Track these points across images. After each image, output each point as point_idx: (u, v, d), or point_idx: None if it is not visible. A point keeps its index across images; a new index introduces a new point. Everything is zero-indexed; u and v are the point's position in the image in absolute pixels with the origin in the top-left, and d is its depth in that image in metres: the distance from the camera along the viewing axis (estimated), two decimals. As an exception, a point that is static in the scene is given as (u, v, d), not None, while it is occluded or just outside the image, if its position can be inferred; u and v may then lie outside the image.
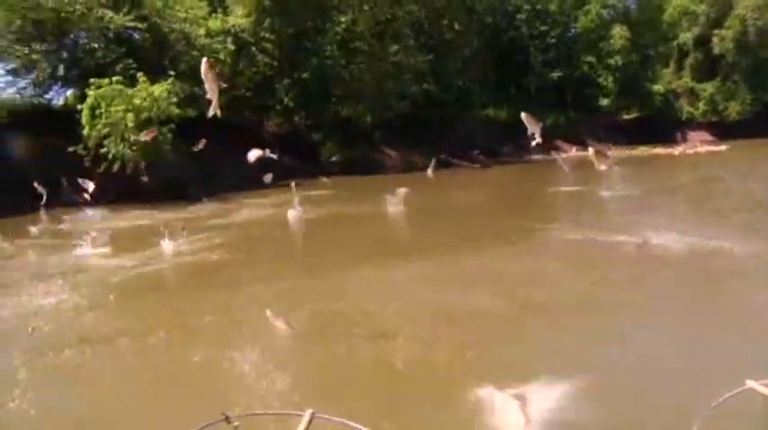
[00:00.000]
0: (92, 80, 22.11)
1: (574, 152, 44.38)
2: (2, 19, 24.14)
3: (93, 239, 13.52)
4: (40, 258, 13.39)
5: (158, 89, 22.40)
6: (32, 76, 24.94)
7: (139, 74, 22.58)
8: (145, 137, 19.57)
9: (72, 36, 25.04)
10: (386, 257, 12.02)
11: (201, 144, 21.58)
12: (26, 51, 24.33)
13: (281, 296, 9.33)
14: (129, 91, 21.92)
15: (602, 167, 11.90)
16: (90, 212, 19.59)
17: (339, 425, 4.32)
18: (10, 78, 25.41)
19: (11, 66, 25.03)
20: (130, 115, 21.50)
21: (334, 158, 32.77)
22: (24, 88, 25.44)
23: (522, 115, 9.62)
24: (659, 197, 20.91)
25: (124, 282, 10.79)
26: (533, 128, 10.17)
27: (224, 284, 10.50)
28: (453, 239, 13.81)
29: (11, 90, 25.46)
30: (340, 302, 8.97)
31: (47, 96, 26.15)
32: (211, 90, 6.30)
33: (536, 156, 42.31)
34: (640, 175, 27.11)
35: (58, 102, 26.19)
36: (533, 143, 10.05)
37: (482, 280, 10.08)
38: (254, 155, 15.49)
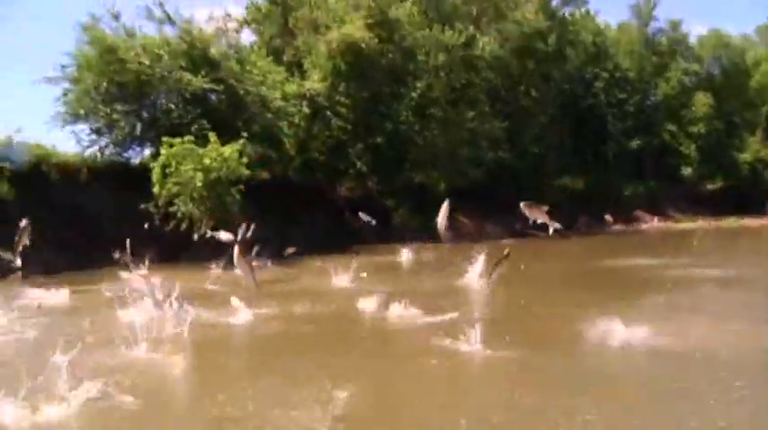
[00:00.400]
0: (164, 139, 21.98)
1: (656, 223, 42.29)
2: (90, 81, 24.59)
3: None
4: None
5: (228, 149, 22.02)
6: (113, 135, 25.10)
7: (211, 134, 22.30)
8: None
9: (152, 97, 25.17)
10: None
11: (292, 250, 21.57)
12: (108, 111, 24.57)
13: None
14: (201, 150, 21.61)
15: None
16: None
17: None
18: (94, 137, 25.66)
19: (95, 125, 25.30)
20: (200, 174, 21.11)
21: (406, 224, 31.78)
22: (105, 147, 25.62)
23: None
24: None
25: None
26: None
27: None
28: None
29: (93, 149, 25.66)
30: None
31: (125, 155, 26.24)
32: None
33: (618, 227, 40.43)
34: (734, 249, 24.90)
35: (136, 160, 26.22)
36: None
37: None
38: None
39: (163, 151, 21.86)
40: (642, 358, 8.63)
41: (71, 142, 29.26)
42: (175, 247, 23.17)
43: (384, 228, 32.14)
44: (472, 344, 8.67)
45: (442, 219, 9.49)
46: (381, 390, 7.67)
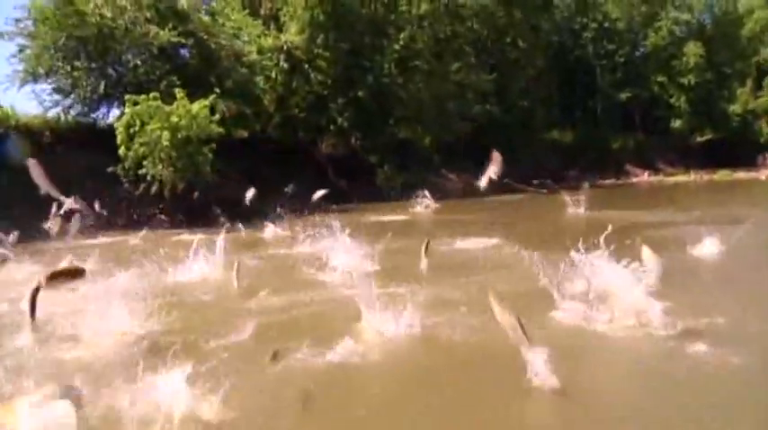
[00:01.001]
0: (127, 96, 20.19)
1: (646, 177, 40.89)
2: (48, 37, 22.60)
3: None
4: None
5: (197, 106, 20.21)
6: (76, 94, 23.21)
7: (178, 90, 20.50)
8: None
9: (116, 53, 23.19)
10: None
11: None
12: (69, 69, 22.64)
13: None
14: (167, 108, 19.84)
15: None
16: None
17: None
18: (56, 97, 23.76)
19: (57, 84, 23.39)
20: (166, 133, 19.31)
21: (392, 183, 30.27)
22: (70, 107, 23.75)
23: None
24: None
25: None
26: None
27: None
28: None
29: (56, 109, 23.77)
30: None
31: (92, 115, 24.37)
32: None
33: (606, 181, 39.04)
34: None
35: (105, 120, 24.36)
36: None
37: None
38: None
39: (127, 110, 20.05)
40: None
41: (32, 103, 27.25)
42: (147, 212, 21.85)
43: (368, 187, 30.78)
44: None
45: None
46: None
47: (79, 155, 22.27)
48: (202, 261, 11.18)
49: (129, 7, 22.77)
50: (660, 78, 47.30)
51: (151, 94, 20.06)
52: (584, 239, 7.51)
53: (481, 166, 34.92)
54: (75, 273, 8.58)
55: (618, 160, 45.12)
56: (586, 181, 38.26)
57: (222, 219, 17.20)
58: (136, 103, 19.95)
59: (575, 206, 20.60)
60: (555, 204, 23.02)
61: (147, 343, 7.03)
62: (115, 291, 7.87)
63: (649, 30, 47.64)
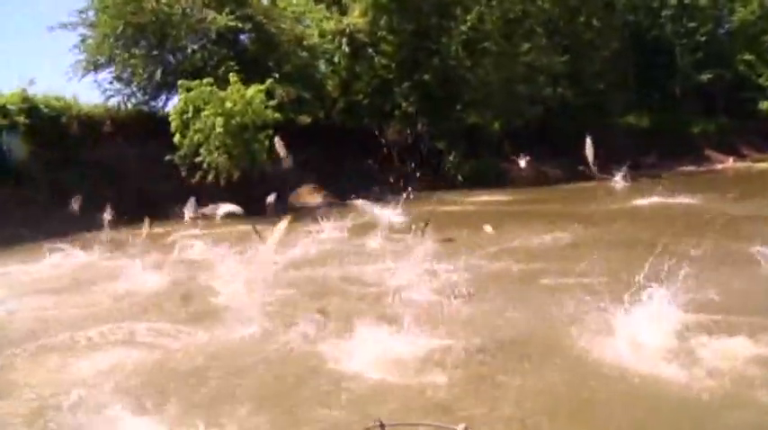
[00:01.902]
0: (180, 82, 19.14)
1: (731, 163, 37.66)
2: (106, 25, 21.88)
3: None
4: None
5: (251, 91, 18.95)
6: (133, 82, 22.46)
7: (231, 74, 19.29)
8: None
9: (173, 39, 22.23)
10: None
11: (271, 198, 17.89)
12: (126, 57, 21.86)
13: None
14: (221, 94, 18.66)
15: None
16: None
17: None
18: (117, 86, 23.11)
19: (116, 73, 22.71)
20: (220, 119, 18.15)
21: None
22: (130, 96, 23.05)
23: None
24: None
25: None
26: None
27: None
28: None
29: (117, 98, 23.10)
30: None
31: (153, 104, 23.59)
32: None
33: (688, 168, 36.09)
34: None
35: (165, 109, 23.52)
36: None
37: None
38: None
39: (180, 96, 19.03)
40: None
41: (95, 93, 26.74)
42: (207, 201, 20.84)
43: (436, 174, 29.10)
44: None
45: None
46: None
47: (139, 144, 21.52)
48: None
49: (185, -8, 21.77)
50: (747, 57, 43.39)
51: (205, 80, 18.92)
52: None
53: (553, 153, 33.01)
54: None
55: (698, 146, 41.91)
56: (665, 167, 35.71)
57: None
58: (189, 89, 18.88)
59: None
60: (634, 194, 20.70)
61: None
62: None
63: (737, 4, 43.73)
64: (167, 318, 7.60)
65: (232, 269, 8.88)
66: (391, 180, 23.65)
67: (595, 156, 9.79)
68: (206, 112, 18.36)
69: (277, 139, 16.93)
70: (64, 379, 5.74)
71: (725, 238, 9.77)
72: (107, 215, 15.32)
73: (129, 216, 16.47)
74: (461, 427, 3.63)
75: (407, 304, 7.36)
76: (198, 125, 18.58)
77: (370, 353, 5.72)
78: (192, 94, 18.84)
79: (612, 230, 13.11)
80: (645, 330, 5.68)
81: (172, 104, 23.04)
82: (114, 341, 6.75)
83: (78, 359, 6.27)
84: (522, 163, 30.10)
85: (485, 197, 23.46)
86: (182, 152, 19.06)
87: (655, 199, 18.40)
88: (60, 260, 12.13)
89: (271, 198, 17.31)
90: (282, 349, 6.22)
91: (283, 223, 9.24)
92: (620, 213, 16.87)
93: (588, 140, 9.83)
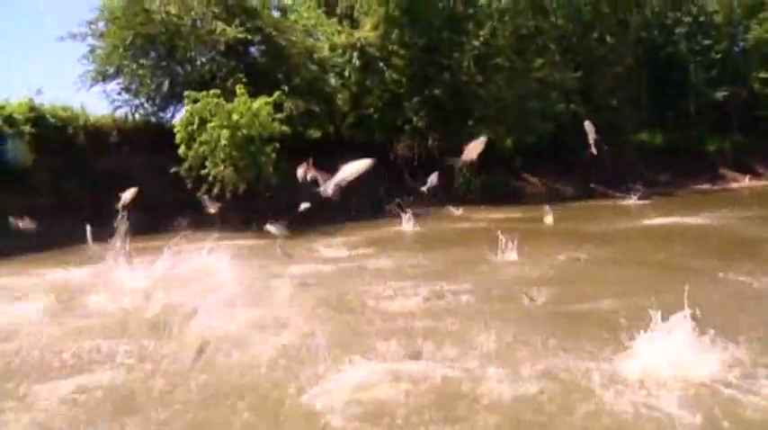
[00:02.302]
0: (186, 93, 18.81)
1: (747, 182, 36.93)
2: (116, 36, 21.66)
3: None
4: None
5: (258, 103, 18.57)
6: (140, 92, 22.17)
7: (238, 86, 18.94)
8: None
9: (183, 50, 21.96)
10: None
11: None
12: (134, 67, 21.60)
13: None
14: (228, 106, 18.29)
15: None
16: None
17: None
18: (126, 96, 22.84)
19: (124, 84, 22.45)
20: (225, 132, 17.78)
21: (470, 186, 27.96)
22: (138, 107, 22.78)
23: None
24: None
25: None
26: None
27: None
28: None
29: (124, 109, 22.81)
30: None
31: (161, 115, 23.29)
32: None
33: (703, 186, 35.43)
34: None
35: (173, 120, 23.21)
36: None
37: None
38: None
39: (186, 107, 18.69)
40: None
41: (103, 103, 26.49)
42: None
43: (446, 190, 28.59)
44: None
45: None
46: None
47: (146, 154, 21.20)
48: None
49: (195, 4, 21.47)
50: (763, 75, 42.73)
51: (211, 91, 18.58)
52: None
53: (564, 170, 32.47)
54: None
55: (713, 164, 41.18)
56: (680, 186, 35.04)
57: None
58: (196, 101, 18.53)
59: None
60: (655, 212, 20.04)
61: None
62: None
63: (752, 21, 43.12)
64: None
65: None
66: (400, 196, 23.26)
67: (598, 144, 9.19)
68: (212, 124, 17.99)
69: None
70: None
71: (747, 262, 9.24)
72: (89, 229, 14.70)
73: (133, 227, 16.23)
74: None
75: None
76: (204, 137, 18.20)
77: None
78: (197, 105, 18.50)
79: (628, 249, 12.56)
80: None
81: (180, 116, 22.85)
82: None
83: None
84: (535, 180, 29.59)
85: (496, 214, 22.92)
86: (187, 164, 18.66)
87: (672, 218, 17.74)
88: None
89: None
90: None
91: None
92: (633, 232, 16.36)
93: (587, 123, 9.38)
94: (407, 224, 18.68)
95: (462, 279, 9.65)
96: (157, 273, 10.02)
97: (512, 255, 11.25)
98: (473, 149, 7.72)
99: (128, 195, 12.36)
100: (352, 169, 7.59)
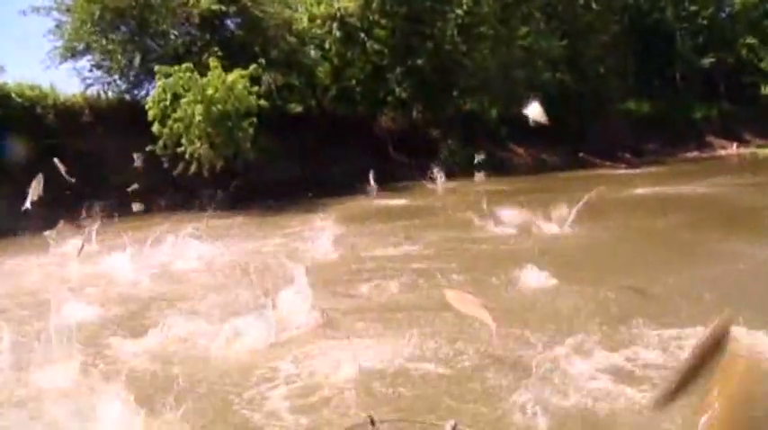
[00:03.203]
0: (157, 67, 17.87)
1: (735, 149, 36.43)
2: (83, 10, 20.56)
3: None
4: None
5: (232, 77, 17.67)
6: (110, 68, 21.13)
7: (212, 59, 18.01)
8: None
9: (156, 24, 20.90)
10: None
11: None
12: (104, 42, 20.56)
13: None
14: (203, 80, 17.38)
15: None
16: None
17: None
18: (97, 73, 21.80)
19: (95, 60, 21.39)
20: (199, 107, 16.91)
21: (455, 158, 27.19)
22: (110, 84, 21.76)
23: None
24: None
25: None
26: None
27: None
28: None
29: (96, 87, 21.77)
30: None
31: (135, 92, 22.25)
32: None
33: (690, 154, 34.92)
34: None
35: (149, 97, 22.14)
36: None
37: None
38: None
39: (158, 82, 17.77)
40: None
41: (74, 81, 25.24)
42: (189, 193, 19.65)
43: (431, 162, 27.87)
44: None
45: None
46: None
47: (121, 134, 20.23)
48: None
49: (165, -27, 20.43)
50: (750, 41, 42.02)
51: (184, 65, 17.65)
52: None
53: (552, 140, 31.76)
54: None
55: (700, 132, 40.62)
56: (668, 154, 34.48)
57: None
58: (168, 76, 17.60)
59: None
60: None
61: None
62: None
63: (739, -15, 42.26)
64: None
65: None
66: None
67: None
68: (185, 100, 17.09)
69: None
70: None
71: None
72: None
73: (111, 209, 15.49)
74: (450, 424, 3.49)
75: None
76: (178, 113, 17.31)
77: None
78: (170, 80, 17.56)
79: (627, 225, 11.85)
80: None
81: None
82: None
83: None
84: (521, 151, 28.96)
85: (485, 186, 22.23)
86: (161, 142, 17.79)
87: (665, 188, 17.16)
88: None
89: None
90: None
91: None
92: (626, 203, 15.73)
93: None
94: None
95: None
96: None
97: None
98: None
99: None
100: None
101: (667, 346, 4.94)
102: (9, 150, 18.07)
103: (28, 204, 11.08)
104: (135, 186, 17.16)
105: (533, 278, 7.13)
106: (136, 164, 12.92)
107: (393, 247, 10.46)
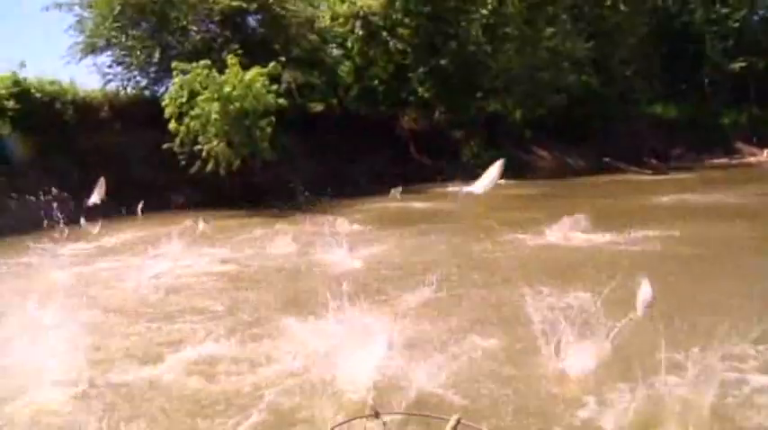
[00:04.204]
0: (174, 64, 17.46)
1: (765, 156, 35.30)
2: (104, 5, 20.29)
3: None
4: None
5: (250, 75, 17.21)
6: (130, 64, 20.81)
7: (229, 56, 17.57)
8: None
9: (176, 21, 20.53)
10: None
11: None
12: (124, 38, 20.24)
13: None
14: (221, 77, 16.94)
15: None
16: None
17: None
18: (117, 69, 21.52)
19: (115, 56, 21.10)
20: (216, 105, 16.47)
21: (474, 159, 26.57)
22: (129, 80, 21.44)
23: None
24: None
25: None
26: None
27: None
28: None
29: (115, 83, 21.47)
30: None
31: (155, 88, 21.89)
32: None
33: (718, 160, 33.88)
34: None
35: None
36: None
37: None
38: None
39: (175, 79, 17.37)
40: None
41: (94, 77, 25.02)
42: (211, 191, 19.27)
43: (453, 164, 27.26)
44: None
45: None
46: None
47: (139, 130, 19.93)
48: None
49: (186, -30, 20.02)
50: (782, 44, 40.74)
51: (201, 62, 17.22)
52: None
53: (576, 143, 30.99)
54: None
55: (728, 137, 39.50)
56: (694, 160, 33.50)
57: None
58: (185, 72, 17.19)
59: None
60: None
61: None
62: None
63: (773, -13, 40.98)
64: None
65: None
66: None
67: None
68: (202, 97, 16.67)
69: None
70: None
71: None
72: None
73: (126, 206, 15.16)
74: (455, 419, 3.40)
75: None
76: (195, 111, 16.89)
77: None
78: (187, 77, 17.14)
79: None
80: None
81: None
82: None
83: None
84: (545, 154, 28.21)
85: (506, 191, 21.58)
86: (178, 140, 17.39)
87: (696, 196, 16.36)
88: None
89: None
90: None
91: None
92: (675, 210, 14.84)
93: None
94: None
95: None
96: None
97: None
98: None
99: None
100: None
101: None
102: (27, 145, 17.86)
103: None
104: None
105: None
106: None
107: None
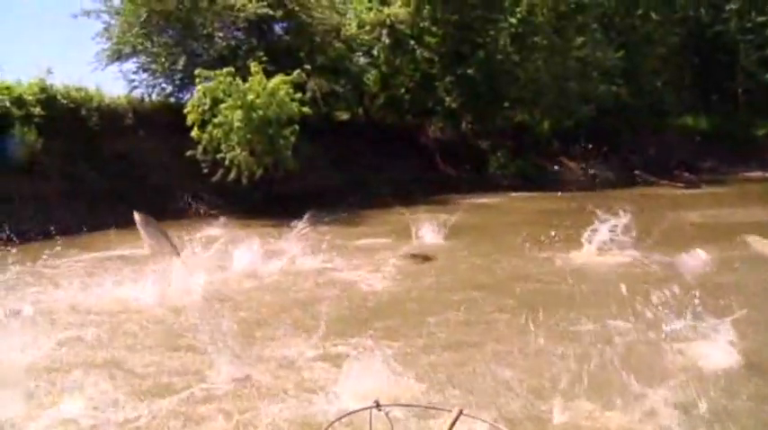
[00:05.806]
0: (197, 71, 17.19)
1: (797, 169, 34.05)
2: (131, 13, 20.18)
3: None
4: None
5: (274, 82, 16.85)
6: (154, 71, 20.64)
7: (253, 63, 17.25)
8: None
9: (202, 27, 20.32)
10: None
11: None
12: (149, 45, 20.08)
13: None
14: (244, 85, 16.62)
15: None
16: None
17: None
18: (143, 76, 21.37)
19: (140, 63, 20.96)
20: (239, 112, 16.13)
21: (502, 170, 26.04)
22: (155, 86, 21.28)
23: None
24: None
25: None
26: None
27: None
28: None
29: (140, 89, 21.32)
30: None
31: (180, 95, 21.69)
32: None
33: (753, 173, 32.82)
34: None
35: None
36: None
37: None
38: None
39: (198, 86, 17.10)
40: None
41: (120, 83, 24.92)
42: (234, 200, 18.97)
43: (479, 175, 26.73)
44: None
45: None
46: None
47: (163, 137, 19.73)
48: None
49: (213, -23, 19.81)
50: (821, 54, 39.40)
51: (225, 70, 16.94)
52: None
53: (604, 155, 30.22)
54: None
55: (763, 150, 38.28)
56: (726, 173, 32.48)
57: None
58: (208, 79, 16.91)
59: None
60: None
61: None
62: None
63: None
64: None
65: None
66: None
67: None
68: (225, 105, 16.37)
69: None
70: None
71: None
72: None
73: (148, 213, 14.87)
74: (457, 410, 3.34)
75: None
76: (218, 119, 16.60)
77: None
78: (210, 84, 16.86)
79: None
80: None
81: (196, 96, 21.28)
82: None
83: None
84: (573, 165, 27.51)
85: (531, 204, 20.94)
86: (201, 147, 17.10)
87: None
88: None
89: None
90: None
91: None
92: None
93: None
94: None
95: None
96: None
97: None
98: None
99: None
100: None
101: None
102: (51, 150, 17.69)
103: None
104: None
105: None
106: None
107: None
